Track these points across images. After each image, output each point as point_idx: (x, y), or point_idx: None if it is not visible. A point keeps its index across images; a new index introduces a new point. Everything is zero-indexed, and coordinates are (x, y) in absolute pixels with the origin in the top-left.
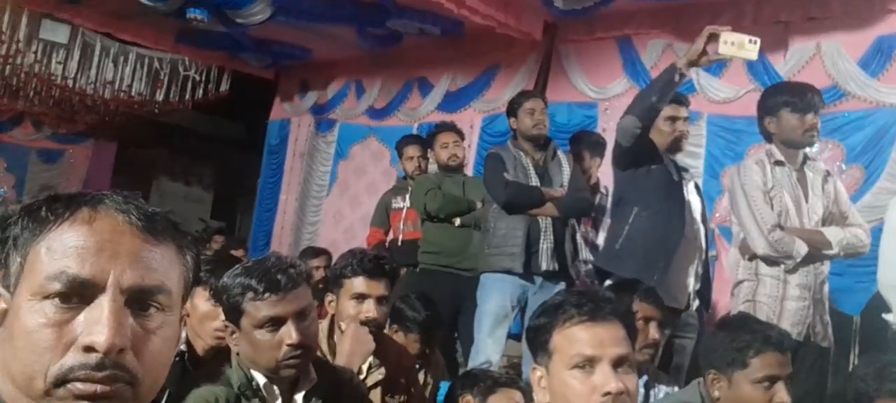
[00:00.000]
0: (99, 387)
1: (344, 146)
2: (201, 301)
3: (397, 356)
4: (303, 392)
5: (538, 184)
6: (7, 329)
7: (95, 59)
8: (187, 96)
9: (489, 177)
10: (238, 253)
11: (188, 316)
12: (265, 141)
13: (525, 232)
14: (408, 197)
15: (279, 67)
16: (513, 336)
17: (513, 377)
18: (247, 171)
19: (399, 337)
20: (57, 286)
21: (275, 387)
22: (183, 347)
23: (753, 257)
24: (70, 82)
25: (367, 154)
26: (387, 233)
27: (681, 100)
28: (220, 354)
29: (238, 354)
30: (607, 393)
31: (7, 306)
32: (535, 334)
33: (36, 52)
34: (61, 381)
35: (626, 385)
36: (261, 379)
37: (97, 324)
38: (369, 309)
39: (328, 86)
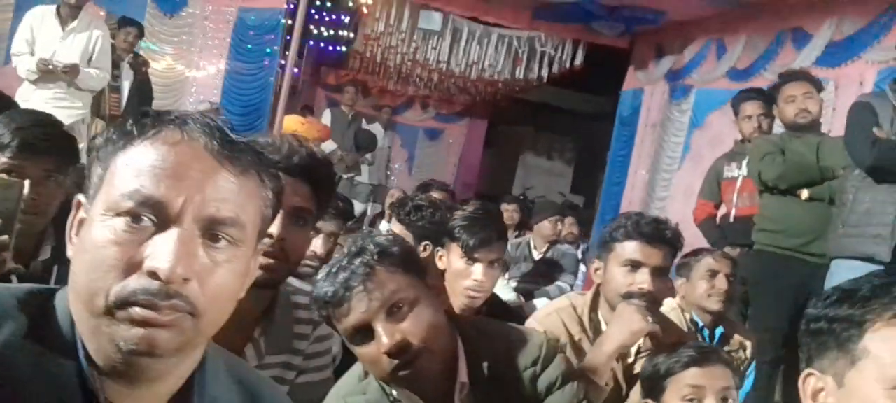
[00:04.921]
0: (159, 315)
1: (700, 113)
2: (455, 257)
3: (678, 341)
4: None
5: None
6: (80, 240)
7: (462, 43)
8: (544, 72)
9: (852, 133)
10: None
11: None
12: (616, 112)
13: None
14: (744, 163)
15: (633, 34)
16: None
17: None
18: (607, 145)
19: None
20: (130, 204)
21: None
22: None
23: None
24: (444, 66)
25: (725, 121)
26: (717, 207)
27: None
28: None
29: None
30: None
31: (86, 216)
32: (828, 325)
33: (416, 41)
34: (122, 303)
35: None
36: None
37: (164, 250)
38: (643, 280)
39: (685, 49)
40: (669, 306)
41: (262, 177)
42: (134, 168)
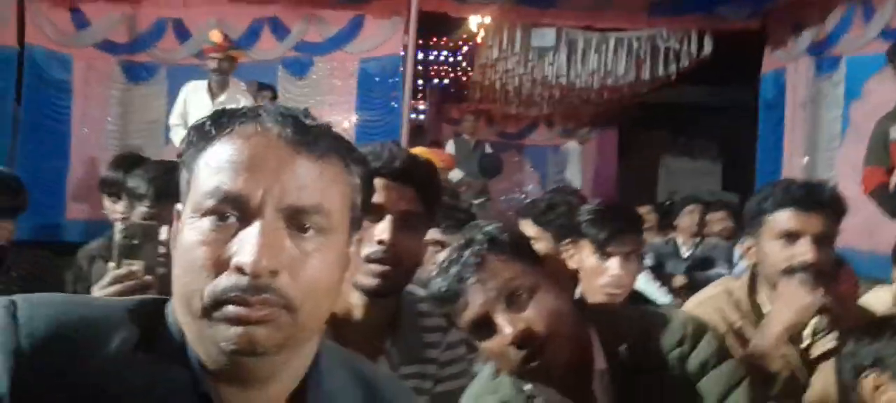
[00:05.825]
0: (252, 311)
1: (855, 83)
2: (587, 254)
3: (860, 318)
4: None
5: None
6: (177, 246)
7: (579, 54)
8: (670, 69)
9: None
10: None
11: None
12: (759, 98)
13: None
14: None
15: (765, 12)
16: None
17: None
18: (754, 135)
19: None
20: (211, 202)
21: None
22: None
23: None
24: (563, 81)
25: (886, 86)
26: (889, 173)
27: None
28: None
29: None
30: None
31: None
32: None
33: (531, 61)
34: (216, 303)
35: None
36: None
37: (247, 244)
38: (804, 252)
39: (826, 17)
40: (886, 304)
41: (346, 161)
42: (213, 166)
